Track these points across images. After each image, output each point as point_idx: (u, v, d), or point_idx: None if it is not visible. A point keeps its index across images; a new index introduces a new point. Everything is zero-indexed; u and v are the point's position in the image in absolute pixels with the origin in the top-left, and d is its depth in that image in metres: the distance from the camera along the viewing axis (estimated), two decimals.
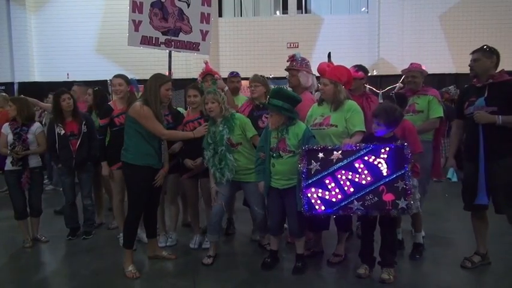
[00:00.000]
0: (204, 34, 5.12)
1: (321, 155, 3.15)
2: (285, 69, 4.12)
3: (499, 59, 3.44)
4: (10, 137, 4.18)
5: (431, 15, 12.19)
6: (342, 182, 3.11)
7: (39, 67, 12.81)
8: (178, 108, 4.51)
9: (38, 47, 12.76)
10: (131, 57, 11.37)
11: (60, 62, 12.44)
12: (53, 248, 4.34)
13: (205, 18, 5.10)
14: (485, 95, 3.36)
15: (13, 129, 4.20)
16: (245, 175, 3.70)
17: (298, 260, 3.57)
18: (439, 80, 10.36)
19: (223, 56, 12.59)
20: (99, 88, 5.09)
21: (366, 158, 3.08)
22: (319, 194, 3.15)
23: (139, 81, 5.47)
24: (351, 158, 3.10)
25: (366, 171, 3.08)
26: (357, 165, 3.09)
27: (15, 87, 12.35)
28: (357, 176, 3.09)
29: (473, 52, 3.51)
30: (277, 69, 9.23)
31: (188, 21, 5.03)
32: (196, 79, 5.02)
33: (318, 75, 3.73)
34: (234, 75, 4.83)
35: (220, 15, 12.86)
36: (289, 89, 4.03)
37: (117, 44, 11.12)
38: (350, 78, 3.62)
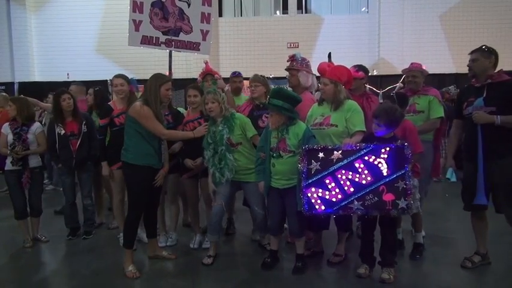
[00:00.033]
0: (205, 34, 5.12)
1: (321, 154, 3.15)
2: (285, 69, 4.12)
3: (498, 59, 3.44)
4: (10, 137, 4.18)
5: (432, 15, 12.18)
6: (342, 182, 3.11)
7: (39, 67, 12.81)
8: (179, 108, 4.51)
9: (38, 46, 12.76)
10: (131, 57, 11.37)
11: (60, 61, 12.44)
12: (53, 247, 4.34)
13: (205, 18, 5.11)
14: (484, 95, 3.37)
15: (13, 129, 4.20)
16: (245, 175, 3.70)
17: (298, 260, 3.57)
18: (439, 80, 10.35)
19: (223, 56, 12.58)
20: (100, 88, 5.09)
21: (366, 157, 3.08)
22: (319, 194, 3.15)
23: (140, 81, 5.47)
24: (351, 158, 3.10)
25: (366, 171, 3.07)
26: (357, 165, 3.09)
27: (16, 87, 12.35)
28: (357, 175, 3.09)
29: (472, 52, 3.51)
30: (278, 69, 9.23)
31: (188, 21, 5.03)
32: (197, 79, 5.03)
33: (318, 75, 3.73)
34: (236, 75, 4.83)
35: (220, 15, 12.85)
36: (289, 88, 4.03)
37: (117, 43, 11.12)
38: (350, 78, 3.62)
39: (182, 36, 5.03)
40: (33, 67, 12.72)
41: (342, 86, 3.48)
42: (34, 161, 4.29)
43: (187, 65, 11.55)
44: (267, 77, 4.69)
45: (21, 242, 4.32)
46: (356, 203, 3.08)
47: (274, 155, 3.39)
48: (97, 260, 3.93)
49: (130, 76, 4.37)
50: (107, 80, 7.91)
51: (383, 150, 3.05)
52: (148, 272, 3.63)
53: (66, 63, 12.32)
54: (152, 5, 4.88)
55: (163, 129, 3.51)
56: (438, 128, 4.08)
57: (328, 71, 3.53)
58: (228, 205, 3.92)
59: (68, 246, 4.34)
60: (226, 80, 4.70)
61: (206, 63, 4.69)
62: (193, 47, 5.11)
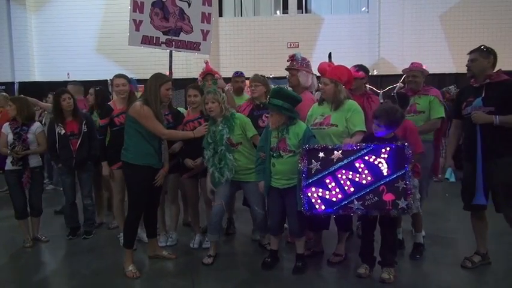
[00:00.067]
0: (205, 34, 5.12)
1: (321, 154, 3.15)
2: (285, 69, 4.12)
3: (496, 59, 3.44)
4: (10, 137, 4.18)
5: (432, 15, 12.18)
6: (342, 182, 3.11)
7: (39, 67, 12.81)
8: (179, 108, 4.51)
9: (38, 46, 12.75)
10: (131, 57, 11.37)
11: (60, 61, 12.43)
12: (53, 247, 4.34)
13: (206, 18, 5.10)
14: (483, 95, 3.37)
15: (13, 128, 4.20)
16: (245, 175, 3.70)
17: (298, 259, 3.57)
18: (439, 80, 10.34)
19: (224, 56, 12.58)
20: (101, 88, 5.09)
21: (367, 157, 3.08)
22: (320, 194, 3.15)
23: (140, 81, 5.47)
24: (352, 158, 3.10)
25: (366, 171, 3.07)
26: (357, 164, 3.09)
27: (16, 86, 12.34)
28: (357, 175, 3.09)
29: (471, 52, 3.51)
30: (278, 69, 9.24)
31: (189, 21, 5.03)
32: (197, 79, 5.03)
33: (319, 75, 3.73)
34: (238, 74, 4.83)
35: (220, 15, 12.85)
36: (290, 88, 4.03)
37: (117, 43, 11.12)
38: (350, 78, 3.62)
39: (182, 36, 5.03)
40: (33, 67, 12.71)
41: (342, 85, 3.48)
42: (34, 161, 4.29)
43: (187, 65, 11.55)
44: (267, 77, 4.69)
45: (21, 241, 4.32)
46: (356, 202, 3.08)
47: (275, 154, 3.39)
48: (97, 259, 3.93)
49: (130, 76, 4.37)
50: (107, 80, 7.92)
51: (383, 150, 3.05)
52: (148, 271, 3.63)
53: (66, 63, 12.31)
54: (153, 4, 4.87)
55: (164, 129, 3.51)
56: (439, 128, 4.08)
57: (329, 70, 3.54)
58: (228, 205, 3.92)
59: (68, 246, 4.34)
60: (226, 79, 4.70)
61: (206, 63, 4.69)
62: (194, 47, 5.11)
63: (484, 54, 3.42)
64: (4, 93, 7.44)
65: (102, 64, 12.18)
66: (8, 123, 4.30)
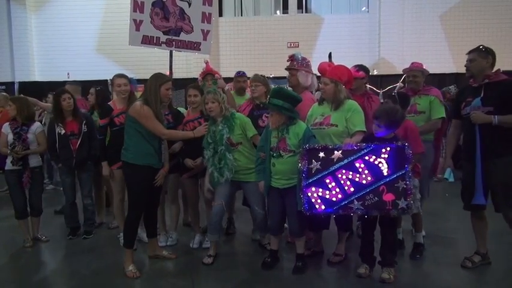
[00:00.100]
0: (205, 34, 5.12)
1: (321, 154, 3.15)
2: (285, 69, 4.12)
3: (495, 59, 3.44)
4: (10, 137, 4.18)
5: (432, 14, 12.17)
6: (342, 182, 3.11)
7: (39, 67, 12.80)
8: (180, 108, 4.51)
9: (38, 46, 12.74)
10: (131, 57, 11.36)
11: (60, 61, 12.42)
12: (53, 247, 4.35)
13: (206, 17, 5.10)
14: (482, 95, 3.37)
15: (13, 128, 4.20)
16: (245, 175, 3.70)
17: (298, 259, 3.57)
18: (440, 80, 10.33)
19: (224, 56, 12.57)
20: (102, 88, 5.09)
21: (367, 157, 3.08)
22: (320, 194, 3.15)
23: (140, 81, 5.46)
24: (352, 158, 3.10)
25: (366, 171, 3.07)
26: (357, 164, 3.09)
27: (16, 86, 12.33)
28: (358, 175, 3.09)
29: (469, 52, 3.51)
30: (278, 68, 9.22)
31: (189, 21, 5.03)
32: (197, 79, 5.03)
33: (319, 74, 3.73)
34: (240, 74, 4.83)
35: (220, 14, 12.83)
36: (290, 88, 4.03)
37: (117, 43, 11.11)
38: (350, 78, 3.62)
39: (183, 36, 5.03)
40: (33, 67, 12.70)
41: (342, 85, 3.48)
42: (34, 161, 4.29)
43: (187, 65, 11.54)
44: (267, 77, 4.69)
45: (21, 241, 4.32)
46: (356, 202, 3.08)
47: (275, 154, 3.39)
48: (97, 259, 3.93)
49: (129, 76, 4.37)
50: (107, 80, 7.92)
51: (383, 150, 3.05)
52: (148, 271, 3.63)
53: (66, 63, 12.30)
54: (153, 4, 4.87)
55: (164, 129, 3.51)
56: (439, 128, 4.08)
57: (329, 70, 3.54)
58: (228, 205, 3.92)
59: (68, 246, 4.34)
60: (226, 79, 4.70)
61: (206, 63, 4.69)
62: (194, 46, 5.10)
63: (482, 54, 3.42)
64: (4, 93, 7.44)
65: (102, 64, 12.17)
66: (8, 123, 4.30)
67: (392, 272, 3.31)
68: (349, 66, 3.80)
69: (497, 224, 3.53)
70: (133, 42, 4.93)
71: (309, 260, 3.69)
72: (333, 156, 3.13)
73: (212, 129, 3.66)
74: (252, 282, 3.42)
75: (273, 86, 4.12)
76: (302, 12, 13.01)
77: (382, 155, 3.05)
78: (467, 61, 3.50)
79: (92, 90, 5.00)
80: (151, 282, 3.43)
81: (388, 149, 3.05)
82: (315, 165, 3.15)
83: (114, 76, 4.16)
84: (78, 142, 4.37)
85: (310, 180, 3.15)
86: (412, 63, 4.18)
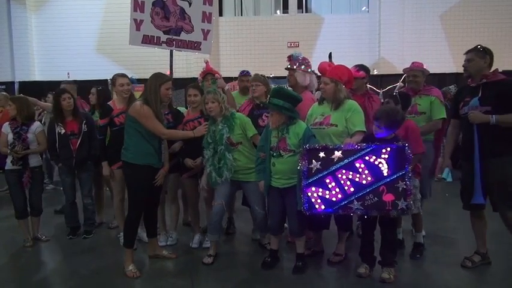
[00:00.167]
0: (206, 33, 5.12)
1: (322, 154, 3.15)
2: (285, 69, 4.13)
3: (493, 58, 3.45)
4: (10, 136, 4.18)
5: (432, 14, 12.18)
6: (342, 182, 3.11)
7: (39, 66, 12.81)
8: (180, 108, 4.51)
9: (38, 46, 12.75)
10: (132, 57, 11.36)
11: (60, 61, 12.43)
12: (53, 247, 4.35)
13: (206, 17, 5.10)
14: (479, 94, 3.37)
15: (13, 128, 4.20)
16: (245, 174, 3.70)
17: (298, 259, 3.57)
18: (440, 80, 10.33)
19: (224, 56, 12.58)
20: (103, 88, 5.09)
21: (367, 157, 3.08)
22: (320, 193, 3.15)
23: (140, 81, 5.48)
24: (352, 158, 3.10)
25: (366, 171, 3.07)
26: (357, 165, 3.09)
27: (16, 86, 12.34)
28: (358, 175, 3.09)
29: (467, 52, 3.52)
30: (278, 68, 9.21)
31: (190, 21, 5.02)
32: (197, 78, 5.02)
33: (319, 74, 3.73)
34: (244, 74, 4.83)
35: (220, 14, 12.84)
36: (290, 88, 4.03)
37: (117, 43, 11.12)
38: (351, 78, 3.62)
39: (183, 36, 5.02)
40: (33, 66, 12.71)
41: (342, 85, 3.48)
42: (34, 161, 4.29)
43: (187, 65, 11.55)
44: (267, 77, 4.69)
45: (21, 241, 4.32)
46: (356, 203, 3.08)
47: (275, 154, 3.39)
48: (97, 259, 3.93)
49: (130, 75, 4.37)
50: (107, 80, 7.92)
51: (384, 151, 3.05)
52: (148, 271, 3.63)
53: (66, 62, 12.30)
54: (153, 4, 4.86)
55: (163, 128, 3.51)
56: (440, 128, 4.08)
57: (329, 70, 3.54)
58: (228, 204, 3.92)
59: (68, 245, 4.34)
60: (226, 79, 4.70)
61: (206, 62, 4.69)
62: (195, 46, 5.10)
63: (480, 54, 3.43)
64: (4, 93, 7.44)
65: (102, 64, 12.18)
66: (8, 122, 4.30)
67: (392, 271, 3.31)
68: (350, 66, 3.80)
69: (498, 224, 3.53)
70: (134, 41, 4.92)
71: (309, 260, 3.69)
72: (333, 156, 3.13)
73: (212, 129, 3.66)
74: (252, 282, 3.42)
75: (273, 86, 4.12)
76: (302, 12, 13.02)
77: (382, 156, 3.05)
78: (465, 61, 3.51)
79: (93, 90, 5.00)
80: (151, 282, 3.43)
81: (389, 149, 3.04)
82: (315, 165, 3.15)
83: (116, 75, 4.16)
84: (78, 142, 4.37)
85: (310, 180, 3.15)
86: (413, 63, 4.18)
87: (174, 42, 5.00)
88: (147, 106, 3.39)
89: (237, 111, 3.98)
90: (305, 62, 4.05)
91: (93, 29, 12.52)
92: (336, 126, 3.44)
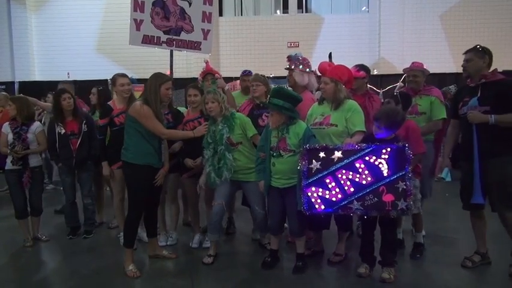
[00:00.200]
0: (206, 33, 5.11)
1: (322, 154, 3.15)
2: (285, 69, 4.13)
3: (492, 58, 3.45)
4: (10, 136, 4.18)
5: (432, 14, 12.18)
6: (342, 182, 3.11)
7: (39, 66, 12.81)
8: (180, 108, 4.50)
9: (38, 46, 12.75)
10: (132, 57, 11.36)
11: (60, 61, 12.43)
12: (54, 247, 4.35)
13: (206, 17, 5.10)
14: (478, 94, 3.37)
15: (13, 128, 4.20)
16: (245, 174, 3.70)
17: (298, 259, 3.57)
18: (440, 80, 10.32)
19: (224, 56, 12.57)
20: (104, 88, 5.09)
21: (367, 158, 3.07)
22: (319, 193, 3.15)
23: (140, 81, 5.47)
24: (352, 158, 3.10)
25: (366, 172, 3.07)
26: (357, 165, 3.09)
27: (16, 86, 12.34)
28: (358, 176, 3.09)
29: (466, 52, 3.52)
30: (278, 68, 9.21)
31: (190, 20, 5.02)
32: (197, 78, 5.02)
33: (319, 74, 3.73)
34: (246, 73, 4.83)
35: (220, 14, 12.84)
36: (290, 88, 4.03)
37: (117, 43, 11.12)
38: (351, 78, 3.62)
39: (183, 36, 5.02)
40: (33, 66, 12.71)
41: (342, 85, 3.48)
42: (34, 161, 4.29)
43: (187, 65, 11.55)
44: (268, 77, 4.69)
45: (21, 241, 4.32)
46: (356, 203, 3.08)
47: (275, 154, 3.38)
48: (97, 259, 3.93)
49: (129, 75, 4.37)
50: (107, 80, 7.92)
51: (384, 151, 3.05)
52: (148, 271, 3.63)
53: (66, 62, 12.31)
54: (153, 4, 4.86)
55: (163, 128, 3.51)
56: (440, 128, 4.08)
57: (329, 70, 3.54)
58: (228, 204, 3.92)
59: (68, 245, 4.34)
60: (226, 79, 4.69)
61: (206, 62, 4.69)
62: (195, 46, 5.10)
63: (479, 54, 3.43)
64: (4, 93, 7.44)
65: (102, 64, 12.18)
66: (7, 122, 4.30)
67: (392, 271, 3.31)
68: (350, 66, 3.80)
69: (498, 224, 3.53)
70: (134, 41, 4.92)
71: (309, 260, 3.69)
72: (333, 156, 3.13)
73: (212, 129, 3.66)
74: (252, 281, 3.42)
75: (273, 86, 4.12)
76: (302, 12, 13.02)
77: (383, 156, 3.05)
78: (464, 61, 3.51)
79: (94, 90, 5.00)
80: (152, 281, 3.43)
81: (389, 149, 3.04)
82: (315, 165, 3.15)
83: (116, 75, 4.15)
84: (78, 142, 4.37)
85: (310, 180, 3.15)
86: (413, 63, 4.18)
87: (174, 42, 5.00)
88: (147, 106, 3.39)
89: (237, 111, 3.98)
90: (304, 62, 4.05)
91: (93, 29, 12.52)
92: (336, 126, 3.44)
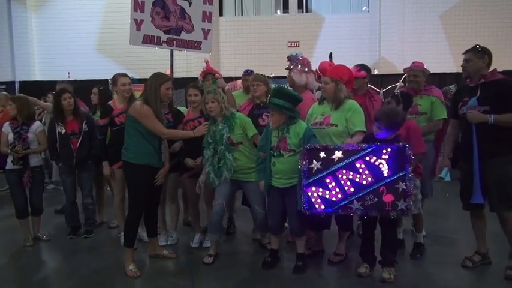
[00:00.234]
0: (206, 33, 5.12)
1: (322, 154, 3.15)
2: (285, 69, 4.13)
3: (491, 58, 3.45)
4: (10, 136, 4.19)
5: (432, 14, 12.17)
6: (342, 182, 3.11)
7: (40, 66, 12.80)
8: (180, 107, 4.51)
9: (38, 46, 12.75)
10: (132, 57, 11.36)
11: (61, 61, 12.43)
12: (54, 246, 4.35)
13: (207, 17, 5.10)
14: (478, 94, 3.37)
15: (13, 128, 4.20)
16: (245, 174, 3.70)
17: (298, 259, 3.57)
18: (440, 79, 10.33)
19: (224, 55, 12.57)
20: (104, 87, 5.09)
21: (367, 158, 3.07)
22: (320, 193, 3.15)
23: (140, 81, 5.47)
24: (352, 158, 3.09)
25: (366, 172, 3.07)
26: (358, 165, 3.09)
27: (16, 86, 12.33)
28: (358, 176, 3.09)
29: (465, 52, 3.52)
30: (278, 68, 9.21)
31: (190, 20, 5.03)
32: (197, 78, 5.02)
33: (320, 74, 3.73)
34: (248, 73, 4.84)
35: (221, 14, 12.84)
36: (290, 88, 4.03)
37: (117, 43, 11.11)
38: (351, 78, 3.62)
39: (184, 35, 5.03)
40: (33, 66, 12.71)
41: (342, 85, 3.48)
42: (35, 160, 4.29)
43: (187, 64, 11.55)
44: (268, 76, 4.69)
45: (21, 241, 4.32)
46: (356, 203, 3.08)
47: (275, 154, 3.38)
48: (97, 259, 3.93)
49: (130, 75, 4.37)
50: (107, 79, 7.93)
51: (384, 151, 3.05)
52: (148, 271, 3.64)
53: (66, 62, 12.31)
54: (153, 4, 4.87)
55: (164, 128, 3.51)
56: (441, 128, 4.08)
57: (329, 70, 3.54)
58: (228, 204, 3.92)
59: (68, 245, 4.34)
60: (226, 79, 4.70)
61: (207, 62, 4.69)
62: (195, 46, 5.10)
63: (478, 54, 3.43)
64: (5, 93, 7.43)
65: (102, 63, 12.18)
66: (8, 122, 4.30)
67: (392, 271, 3.31)
68: (350, 66, 3.80)
69: (498, 224, 3.52)
70: (134, 41, 4.93)
71: (310, 260, 3.69)
72: (333, 156, 3.13)
73: (212, 128, 3.67)
74: (252, 281, 3.42)
75: (273, 86, 4.12)
76: (302, 12, 13.01)
77: (383, 156, 3.05)
78: (463, 61, 3.52)
79: (95, 90, 5.01)
80: (152, 281, 3.43)
81: (389, 150, 3.04)
82: (316, 165, 3.15)
83: (117, 75, 4.15)
84: (79, 141, 4.37)
85: (311, 180, 3.15)
86: (413, 63, 4.17)
87: (175, 42, 5.00)
88: (147, 106, 3.39)
89: (237, 110, 3.98)
90: (303, 61, 4.05)
91: (93, 29, 12.51)
92: (336, 126, 3.44)
